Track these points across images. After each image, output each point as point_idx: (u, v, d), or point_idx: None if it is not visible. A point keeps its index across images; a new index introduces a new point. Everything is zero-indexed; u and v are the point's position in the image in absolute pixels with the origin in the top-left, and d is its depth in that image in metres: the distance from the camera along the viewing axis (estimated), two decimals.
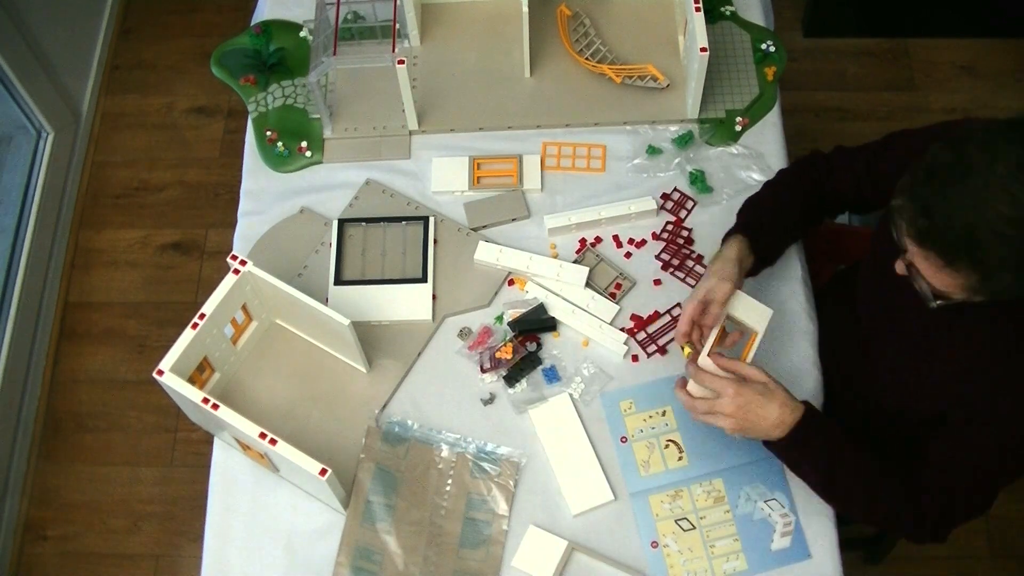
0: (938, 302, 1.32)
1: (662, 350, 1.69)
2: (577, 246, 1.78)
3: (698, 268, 1.75)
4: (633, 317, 1.72)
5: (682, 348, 1.55)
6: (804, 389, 1.64)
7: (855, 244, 1.99)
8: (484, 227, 1.81)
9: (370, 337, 1.70)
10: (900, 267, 1.34)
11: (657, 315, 1.72)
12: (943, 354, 1.46)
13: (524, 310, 1.71)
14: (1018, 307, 1.35)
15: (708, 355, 1.48)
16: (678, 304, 1.72)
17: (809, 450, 1.46)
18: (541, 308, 1.71)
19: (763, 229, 1.63)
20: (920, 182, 1.22)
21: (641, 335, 1.70)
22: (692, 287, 1.73)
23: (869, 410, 1.64)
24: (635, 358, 1.68)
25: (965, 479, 1.42)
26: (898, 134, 1.58)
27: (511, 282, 1.76)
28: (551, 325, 1.70)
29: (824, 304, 1.76)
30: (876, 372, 1.60)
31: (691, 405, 1.47)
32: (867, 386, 1.62)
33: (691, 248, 1.78)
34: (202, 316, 1.54)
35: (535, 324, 1.70)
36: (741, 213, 1.67)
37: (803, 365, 1.67)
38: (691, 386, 1.48)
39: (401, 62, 1.73)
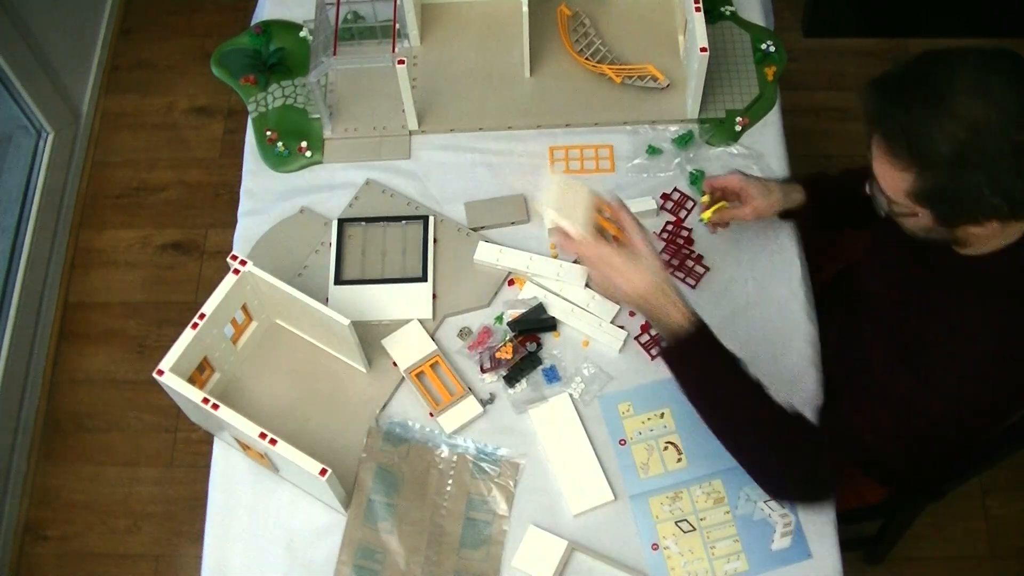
0: (887, 211, 1.35)
1: None
2: None
3: (698, 268, 1.75)
4: (634, 317, 1.72)
5: (703, 195, 1.68)
6: (804, 389, 1.64)
7: (855, 244, 1.99)
8: (484, 228, 1.81)
9: (370, 337, 1.70)
10: (867, 187, 1.38)
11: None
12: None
13: (524, 310, 1.71)
14: (1018, 306, 1.35)
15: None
16: None
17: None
18: (541, 308, 1.71)
19: (818, 178, 1.69)
20: (888, 75, 1.28)
21: (644, 338, 1.70)
22: (692, 287, 1.74)
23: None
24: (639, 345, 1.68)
25: (873, 411, 1.40)
26: None
27: (511, 282, 1.76)
28: (551, 325, 1.70)
29: (824, 304, 1.76)
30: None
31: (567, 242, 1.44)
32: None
33: (691, 248, 1.78)
34: (202, 316, 1.54)
35: (535, 324, 1.70)
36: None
37: (803, 365, 1.67)
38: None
39: (401, 62, 1.73)
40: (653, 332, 1.70)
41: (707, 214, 1.66)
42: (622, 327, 1.70)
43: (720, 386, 1.43)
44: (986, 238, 1.34)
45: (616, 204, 1.45)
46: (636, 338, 1.70)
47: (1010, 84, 1.21)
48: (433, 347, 1.68)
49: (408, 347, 1.68)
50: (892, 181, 1.31)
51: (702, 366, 1.43)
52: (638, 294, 1.41)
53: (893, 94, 1.27)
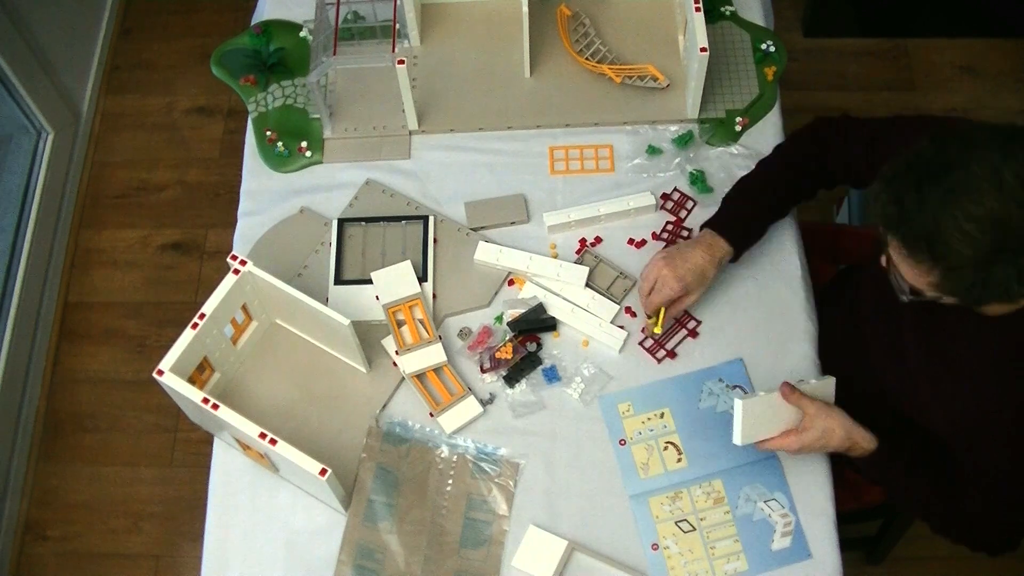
0: (910, 297, 1.34)
1: (671, 354, 1.68)
2: (577, 246, 1.78)
3: None
4: (635, 317, 1.72)
5: (649, 317, 1.65)
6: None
7: (855, 244, 1.99)
8: (484, 228, 1.81)
9: (370, 337, 1.70)
10: (883, 260, 1.36)
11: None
12: (943, 362, 1.46)
13: (524, 310, 1.71)
14: (1017, 318, 1.35)
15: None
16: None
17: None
18: (541, 308, 1.71)
19: (746, 226, 1.67)
20: (899, 172, 1.25)
21: (648, 341, 1.70)
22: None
23: (870, 411, 1.63)
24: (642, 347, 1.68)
25: (1004, 488, 1.44)
26: (905, 119, 1.60)
27: (511, 282, 1.76)
28: (551, 325, 1.70)
29: (824, 304, 1.76)
30: (876, 375, 1.60)
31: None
32: (867, 387, 1.62)
33: None
34: (202, 316, 1.54)
35: (535, 324, 1.70)
36: (728, 201, 1.70)
37: (803, 365, 1.67)
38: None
39: (401, 62, 1.73)
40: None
41: (658, 327, 1.63)
42: (622, 327, 1.70)
43: (906, 488, 1.56)
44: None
45: (786, 391, 1.51)
46: (640, 343, 1.70)
47: None
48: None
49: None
50: (915, 277, 1.28)
51: (892, 477, 1.55)
52: (836, 449, 1.52)
53: (907, 194, 1.22)
